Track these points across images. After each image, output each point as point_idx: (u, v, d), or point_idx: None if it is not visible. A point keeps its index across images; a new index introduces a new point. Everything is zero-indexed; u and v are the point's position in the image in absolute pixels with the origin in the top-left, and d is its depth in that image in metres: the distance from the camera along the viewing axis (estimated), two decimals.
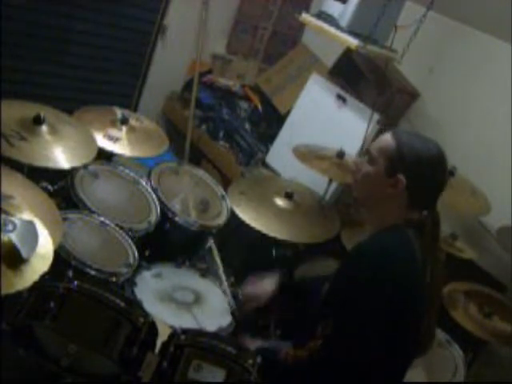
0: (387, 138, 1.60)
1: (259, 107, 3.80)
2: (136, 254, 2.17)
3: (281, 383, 1.67)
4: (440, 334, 2.34)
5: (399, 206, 1.58)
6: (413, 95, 3.28)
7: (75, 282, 1.63)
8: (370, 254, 1.55)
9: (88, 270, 1.95)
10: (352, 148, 2.82)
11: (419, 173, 1.55)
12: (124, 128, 2.51)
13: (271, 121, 3.73)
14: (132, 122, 2.57)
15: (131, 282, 2.10)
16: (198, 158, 3.69)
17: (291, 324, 1.95)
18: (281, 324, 2.02)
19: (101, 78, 3.63)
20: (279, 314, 2.01)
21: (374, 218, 1.65)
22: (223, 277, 2.42)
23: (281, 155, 3.38)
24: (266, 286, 1.96)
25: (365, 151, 1.68)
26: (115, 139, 2.45)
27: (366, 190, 1.65)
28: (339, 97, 3.27)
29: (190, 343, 1.66)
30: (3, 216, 1.49)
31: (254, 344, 1.83)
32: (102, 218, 2.19)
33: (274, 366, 1.65)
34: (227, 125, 3.68)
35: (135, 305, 1.72)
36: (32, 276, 1.43)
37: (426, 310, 1.58)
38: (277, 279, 1.95)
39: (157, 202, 2.43)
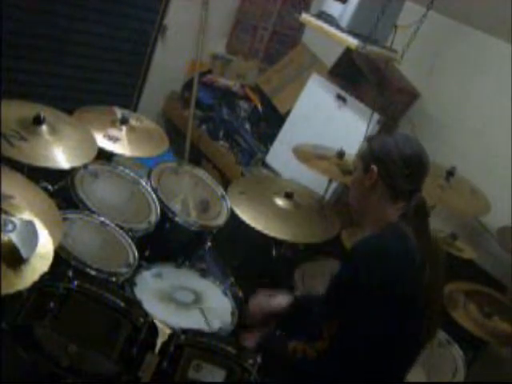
0: (362, 145, 1.71)
1: (259, 107, 3.80)
2: (136, 253, 2.17)
3: (287, 381, 1.67)
4: (440, 334, 2.34)
5: (383, 199, 1.63)
6: (413, 95, 3.28)
7: (75, 282, 1.63)
8: (365, 254, 1.57)
9: (88, 270, 1.95)
10: (352, 148, 2.82)
11: (387, 159, 1.62)
12: (124, 128, 2.51)
13: (271, 121, 3.72)
14: (132, 121, 2.56)
15: (131, 282, 2.10)
16: (198, 157, 3.69)
17: (293, 323, 1.94)
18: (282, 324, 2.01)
19: (101, 78, 3.63)
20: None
21: (369, 221, 1.68)
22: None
23: (281, 155, 3.38)
24: (278, 301, 1.91)
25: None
26: (115, 139, 2.45)
27: (354, 195, 1.72)
28: (339, 97, 3.27)
29: (190, 343, 1.66)
30: (3, 216, 1.49)
31: (253, 338, 1.82)
32: (102, 218, 2.19)
33: (277, 356, 1.65)
34: (227, 125, 3.68)
35: (135, 305, 1.72)
36: (32, 276, 1.43)
37: (424, 307, 1.58)
38: (289, 298, 1.91)
39: (157, 202, 2.43)
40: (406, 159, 1.62)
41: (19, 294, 1.59)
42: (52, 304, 1.58)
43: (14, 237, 1.44)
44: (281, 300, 1.90)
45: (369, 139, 1.71)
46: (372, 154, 1.65)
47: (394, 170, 1.62)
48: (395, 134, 1.74)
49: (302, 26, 4.00)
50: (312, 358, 1.57)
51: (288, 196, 2.63)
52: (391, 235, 1.58)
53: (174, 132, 3.80)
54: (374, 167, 1.62)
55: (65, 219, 2.07)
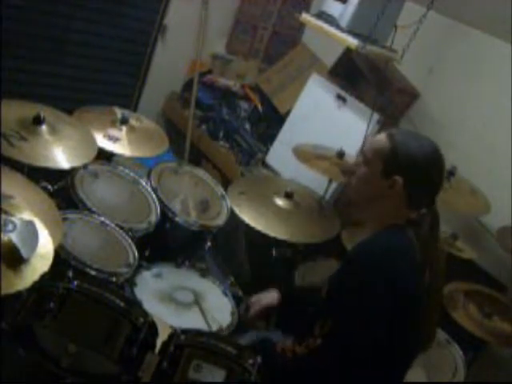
0: (382, 139, 1.60)
1: (259, 107, 3.79)
2: (136, 254, 2.17)
3: (279, 380, 1.68)
4: (440, 334, 2.34)
5: (397, 206, 1.59)
6: (413, 95, 3.28)
7: (75, 282, 1.63)
8: (369, 253, 1.56)
9: (88, 269, 1.95)
10: (352, 148, 2.82)
11: (415, 173, 1.56)
12: (124, 128, 2.51)
13: (271, 121, 3.72)
14: (132, 122, 2.56)
15: (131, 282, 2.10)
16: (197, 158, 3.68)
17: (289, 319, 1.95)
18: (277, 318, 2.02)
19: (101, 78, 3.63)
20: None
21: (372, 219, 1.66)
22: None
23: (281, 155, 3.38)
24: (267, 294, 1.96)
25: (360, 153, 1.68)
26: (115, 139, 2.45)
27: (362, 192, 1.65)
28: (339, 97, 3.27)
29: (190, 343, 1.66)
30: (3, 216, 1.49)
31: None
32: (102, 218, 2.19)
33: (269, 357, 1.66)
34: (227, 125, 3.68)
35: (135, 305, 1.72)
36: (32, 276, 1.43)
37: (424, 308, 1.58)
38: (277, 292, 1.95)
39: (157, 202, 2.43)
40: (436, 176, 1.58)
41: (19, 294, 1.59)
42: (52, 304, 1.58)
43: (14, 237, 1.44)
44: (271, 294, 1.95)
45: (389, 135, 1.59)
46: (398, 163, 1.56)
47: (422, 186, 1.58)
48: (421, 140, 1.61)
49: (302, 26, 3.99)
50: (303, 355, 1.57)
51: (288, 196, 2.63)
52: (392, 236, 1.57)
53: (174, 132, 3.80)
54: (399, 179, 1.55)
55: (65, 219, 2.07)
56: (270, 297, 1.95)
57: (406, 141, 1.59)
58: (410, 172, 1.56)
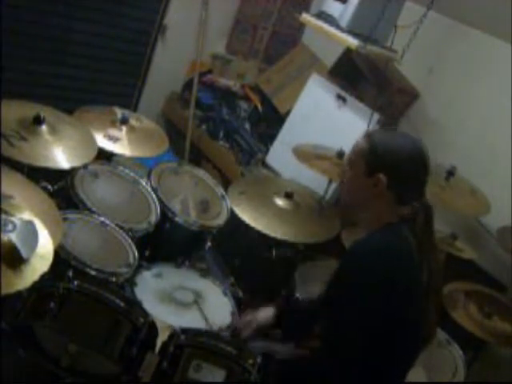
0: (361, 141, 1.64)
1: (259, 107, 3.80)
2: (136, 254, 2.17)
3: (283, 381, 1.68)
4: (440, 334, 2.34)
5: (387, 204, 1.60)
6: (413, 95, 3.28)
7: (75, 282, 1.63)
8: (364, 253, 1.57)
9: (88, 269, 1.94)
10: None
11: (397, 169, 1.58)
12: (124, 128, 2.51)
13: (271, 121, 3.72)
14: (132, 121, 2.56)
15: (131, 282, 2.10)
16: (198, 157, 3.69)
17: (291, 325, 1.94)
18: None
19: (101, 78, 3.63)
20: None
21: (367, 220, 1.67)
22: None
23: (281, 155, 3.38)
24: (261, 313, 1.92)
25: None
26: (115, 139, 2.45)
27: (351, 194, 1.69)
28: (339, 97, 3.27)
29: (190, 343, 1.66)
30: (3, 216, 1.49)
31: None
32: (102, 218, 2.19)
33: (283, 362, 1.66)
34: (227, 125, 3.68)
35: (135, 305, 1.72)
36: (32, 276, 1.43)
37: (423, 306, 1.58)
38: (273, 309, 1.92)
39: (157, 202, 2.43)
40: (417, 169, 1.59)
41: (19, 293, 1.59)
42: (52, 304, 1.58)
43: (14, 237, 1.44)
44: (266, 312, 1.91)
45: (367, 135, 1.64)
46: (379, 161, 1.58)
47: (405, 180, 1.58)
48: (399, 136, 1.67)
49: (302, 26, 4.00)
50: (306, 356, 1.58)
51: (288, 196, 2.63)
52: (390, 234, 1.58)
53: (174, 132, 3.80)
54: (383, 177, 1.56)
55: (65, 219, 2.07)
56: (264, 316, 1.90)
57: (384, 139, 1.63)
58: (392, 168, 1.57)
